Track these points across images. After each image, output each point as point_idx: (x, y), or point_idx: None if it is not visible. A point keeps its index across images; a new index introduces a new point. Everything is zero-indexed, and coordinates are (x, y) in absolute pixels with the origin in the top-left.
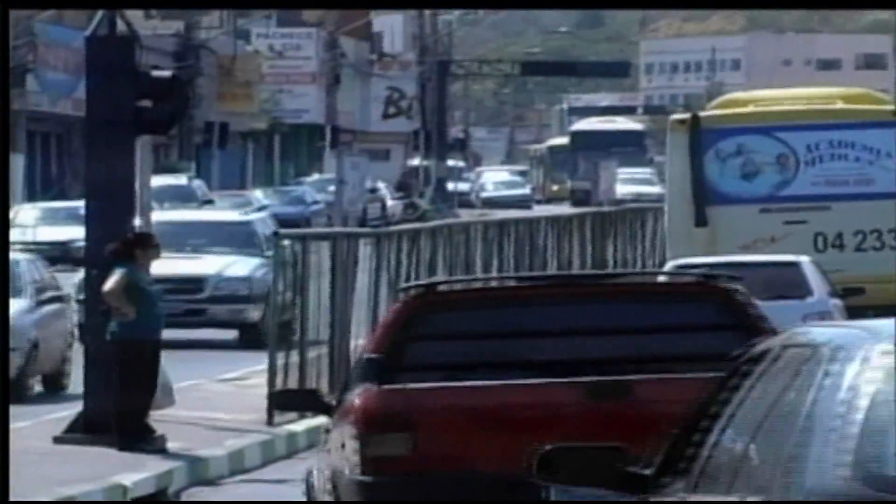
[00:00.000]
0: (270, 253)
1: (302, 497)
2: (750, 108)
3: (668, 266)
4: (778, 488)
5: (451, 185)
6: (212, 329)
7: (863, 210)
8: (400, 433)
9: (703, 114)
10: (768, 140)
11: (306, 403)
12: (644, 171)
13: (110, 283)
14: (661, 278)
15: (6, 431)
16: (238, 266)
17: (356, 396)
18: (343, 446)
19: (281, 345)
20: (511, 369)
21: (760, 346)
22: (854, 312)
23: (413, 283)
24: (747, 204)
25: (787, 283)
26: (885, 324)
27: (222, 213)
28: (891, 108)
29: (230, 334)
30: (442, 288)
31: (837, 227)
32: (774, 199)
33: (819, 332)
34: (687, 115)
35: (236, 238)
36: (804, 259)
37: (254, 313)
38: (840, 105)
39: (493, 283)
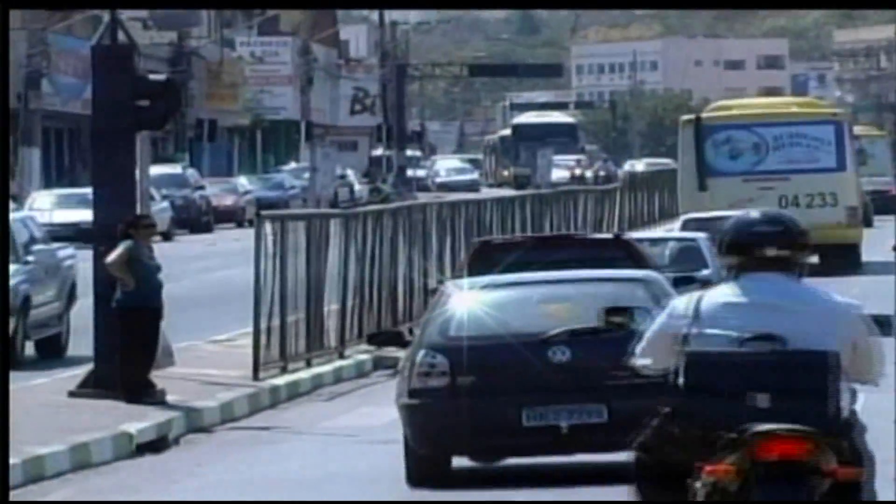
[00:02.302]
0: (30, 258)
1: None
2: (735, 111)
3: (681, 218)
4: (416, 341)
5: (409, 172)
6: None
7: (811, 180)
8: None
9: (703, 115)
10: (748, 133)
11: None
12: (576, 158)
13: (112, 255)
14: (599, 236)
15: (6, 419)
16: None
17: None
18: None
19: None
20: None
21: (438, 286)
22: None
23: (478, 237)
24: (733, 176)
25: None
26: (478, 279)
27: None
28: (830, 111)
29: None
30: (493, 240)
31: (795, 192)
32: (752, 173)
33: (449, 282)
34: (692, 116)
35: None
36: None
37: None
38: (795, 109)
39: (518, 238)
